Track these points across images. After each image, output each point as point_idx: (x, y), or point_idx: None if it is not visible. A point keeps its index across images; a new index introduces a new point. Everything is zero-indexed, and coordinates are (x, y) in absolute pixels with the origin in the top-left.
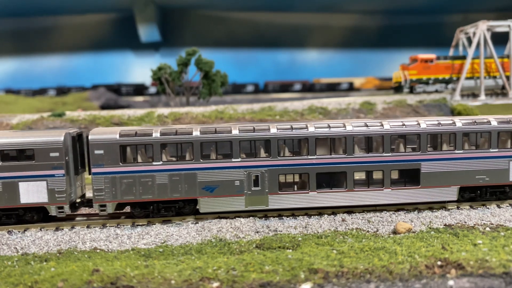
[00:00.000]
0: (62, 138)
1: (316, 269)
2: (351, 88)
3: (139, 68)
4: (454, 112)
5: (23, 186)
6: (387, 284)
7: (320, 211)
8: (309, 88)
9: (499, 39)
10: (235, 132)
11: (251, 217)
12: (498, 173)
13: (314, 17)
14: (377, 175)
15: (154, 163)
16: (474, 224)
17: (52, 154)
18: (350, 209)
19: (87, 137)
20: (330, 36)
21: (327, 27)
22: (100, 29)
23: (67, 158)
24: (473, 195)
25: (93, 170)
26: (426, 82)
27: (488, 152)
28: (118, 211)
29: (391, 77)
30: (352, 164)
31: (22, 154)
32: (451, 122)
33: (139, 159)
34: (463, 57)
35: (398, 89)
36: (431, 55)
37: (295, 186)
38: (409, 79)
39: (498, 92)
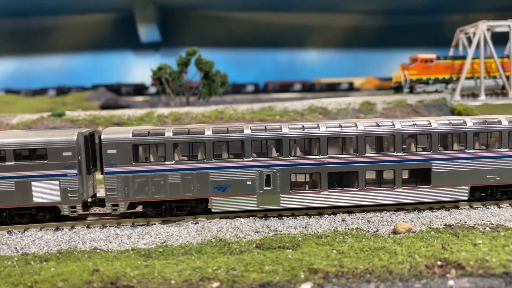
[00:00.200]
0: (75, 138)
1: (316, 269)
2: (351, 88)
3: (139, 68)
4: (454, 112)
5: (35, 186)
6: (387, 284)
7: (320, 211)
8: (309, 88)
9: (499, 39)
10: (247, 131)
11: (251, 217)
12: (509, 173)
13: (314, 17)
14: (388, 174)
15: (166, 162)
16: (474, 224)
17: (65, 154)
18: (350, 209)
19: (99, 136)
20: (330, 36)
21: (327, 27)
22: (100, 29)
23: (79, 157)
24: (484, 194)
25: (106, 169)
26: (426, 82)
27: (499, 151)
28: (130, 211)
29: (391, 77)
30: (364, 163)
31: (35, 154)
32: (462, 121)
33: (151, 159)
34: (463, 57)
35: (398, 89)
36: (431, 55)
37: (307, 186)
38: (409, 79)
39: (498, 92)
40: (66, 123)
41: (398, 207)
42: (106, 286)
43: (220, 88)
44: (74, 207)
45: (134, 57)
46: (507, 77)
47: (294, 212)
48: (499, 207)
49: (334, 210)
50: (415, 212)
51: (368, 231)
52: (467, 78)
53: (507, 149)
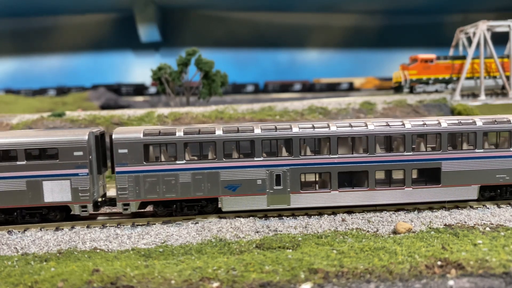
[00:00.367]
0: (86, 137)
1: (316, 269)
2: (351, 88)
3: (139, 68)
4: (454, 112)
5: (47, 185)
6: (387, 284)
7: (320, 211)
8: (309, 88)
9: (499, 39)
10: (257, 131)
11: (251, 217)
12: None
13: (314, 17)
14: (398, 174)
15: (177, 162)
16: (474, 224)
17: (76, 153)
18: (350, 209)
19: (110, 136)
20: (330, 36)
21: (327, 27)
22: (100, 29)
23: (90, 157)
24: (493, 194)
25: (117, 169)
26: (426, 82)
27: (508, 151)
28: (140, 210)
29: (391, 77)
30: (374, 163)
31: (46, 153)
32: (471, 121)
33: (162, 158)
34: (463, 57)
35: (398, 89)
36: (431, 55)
37: (317, 185)
38: (409, 79)
39: (498, 92)
40: (66, 123)
41: (398, 207)
42: (106, 286)
43: (220, 88)
44: (85, 206)
45: (134, 57)
46: (507, 77)
47: (294, 212)
48: (499, 207)
49: (334, 210)
50: (415, 212)
51: (368, 231)
52: (467, 78)
53: None
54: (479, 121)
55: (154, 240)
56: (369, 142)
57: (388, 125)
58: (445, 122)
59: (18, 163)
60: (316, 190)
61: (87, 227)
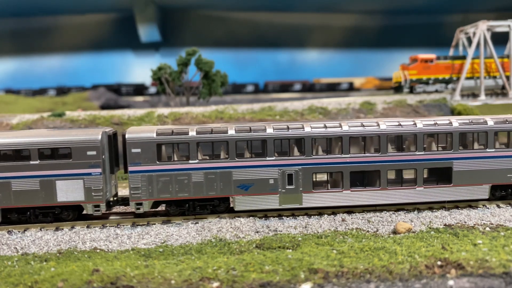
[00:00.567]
0: (99, 137)
1: (316, 269)
2: (351, 88)
3: (139, 68)
4: (454, 112)
5: (60, 185)
6: (387, 284)
7: (320, 211)
8: (309, 88)
9: (499, 39)
10: (269, 130)
11: (251, 217)
12: None
13: (314, 17)
14: (409, 173)
15: (190, 161)
16: (474, 224)
17: (89, 153)
18: (350, 209)
19: (123, 135)
20: (330, 36)
21: (327, 27)
22: (100, 29)
23: (103, 156)
24: (504, 193)
25: (130, 168)
26: (426, 82)
27: None
28: (152, 209)
29: (391, 77)
30: (385, 162)
31: (59, 153)
32: (482, 121)
33: (175, 158)
34: (463, 57)
35: (398, 89)
36: (431, 55)
37: (328, 185)
38: (409, 79)
39: (498, 92)
40: (66, 123)
41: (398, 207)
42: (106, 286)
43: (220, 88)
44: (98, 206)
45: (134, 57)
46: (507, 77)
47: (294, 212)
48: (499, 207)
49: (334, 210)
50: (415, 212)
51: (368, 231)
52: (467, 78)
53: None
54: (490, 121)
55: (154, 240)
56: (381, 142)
57: (400, 125)
58: (457, 122)
59: (31, 162)
60: (328, 189)
61: (87, 227)
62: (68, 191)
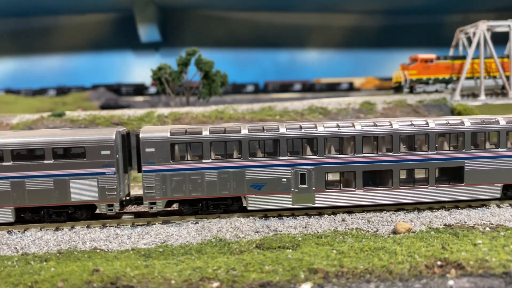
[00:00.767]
0: (113, 136)
1: (316, 269)
2: (351, 88)
3: (139, 68)
4: (454, 112)
5: (74, 184)
6: (387, 284)
7: (320, 211)
8: (309, 88)
9: (499, 39)
10: (282, 130)
11: (251, 217)
12: None
13: (314, 17)
14: (421, 173)
15: (203, 161)
16: (474, 224)
17: (103, 152)
18: (350, 209)
19: (137, 135)
20: (330, 36)
21: (327, 27)
22: (100, 29)
23: (117, 156)
24: None
25: (144, 168)
26: (426, 82)
27: None
28: (166, 209)
29: (391, 77)
30: (398, 162)
31: (73, 152)
32: (494, 120)
33: (188, 157)
34: (463, 57)
35: (398, 89)
36: (431, 55)
37: (341, 184)
38: (409, 79)
39: (498, 92)
40: (66, 123)
41: (398, 207)
42: (106, 286)
43: (220, 88)
44: (112, 205)
45: (134, 57)
46: (507, 77)
47: (294, 212)
48: (499, 207)
49: (334, 210)
50: (415, 212)
51: (368, 231)
52: (467, 78)
53: None
54: (502, 120)
55: (154, 240)
56: (393, 141)
57: (413, 124)
58: (469, 122)
59: (45, 162)
60: (341, 189)
61: (87, 227)
62: (82, 191)
